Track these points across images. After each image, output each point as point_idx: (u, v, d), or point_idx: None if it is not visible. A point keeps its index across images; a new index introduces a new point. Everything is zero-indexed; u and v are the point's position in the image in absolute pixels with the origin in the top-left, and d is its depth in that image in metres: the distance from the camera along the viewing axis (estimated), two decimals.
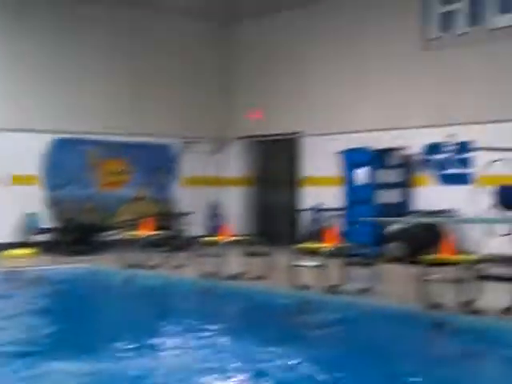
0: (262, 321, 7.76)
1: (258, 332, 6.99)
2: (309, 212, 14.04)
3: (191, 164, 15.27)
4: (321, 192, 13.84)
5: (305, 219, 14.16)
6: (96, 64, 14.38)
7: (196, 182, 15.30)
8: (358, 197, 12.60)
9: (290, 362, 5.82)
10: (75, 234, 13.30)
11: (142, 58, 14.86)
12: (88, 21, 14.26)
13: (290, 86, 14.72)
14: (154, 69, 14.96)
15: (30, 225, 13.38)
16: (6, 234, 13.16)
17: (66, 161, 13.93)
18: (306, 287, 8.74)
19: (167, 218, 14.50)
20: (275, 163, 15.44)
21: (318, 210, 13.87)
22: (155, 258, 11.09)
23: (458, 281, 7.28)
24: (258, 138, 15.56)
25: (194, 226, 14.41)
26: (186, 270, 10.51)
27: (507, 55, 11.44)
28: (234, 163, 15.83)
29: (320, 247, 9.10)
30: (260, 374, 5.55)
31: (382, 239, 11.97)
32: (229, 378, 5.52)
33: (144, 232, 11.15)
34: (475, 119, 11.77)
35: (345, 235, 12.40)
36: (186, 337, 6.84)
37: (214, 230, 14.60)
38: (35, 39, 13.80)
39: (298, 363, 5.80)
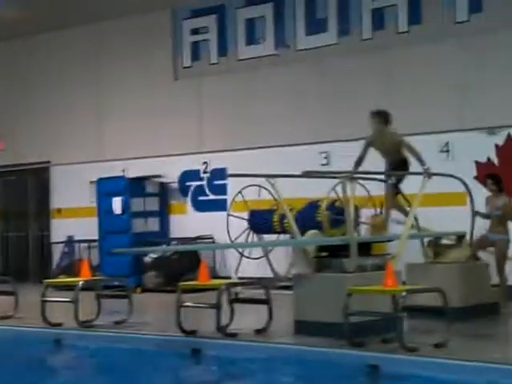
0: (6, 363, 7.21)
1: (4, 376, 6.50)
2: (61, 245, 13.51)
3: None
4: (73, 223, 13.42)
5: (57, 253, 13.59)
6: None
7: None
8: (113, 227, 12.36)
9: None
10: None
11: None
12: None
13: (35, 113, 14.17)
14: None
15: None
16: None
17: None
18: (57, 324, 8.35)
19: None
20: (21, 195, 14.71)
21: (71, 242, 13.41)
22: None
23: (213, 306, 7.39)
24: (3, 169, 14.71)
25: None
26: None
27: (255, 83, 12.06)
28: None
29: (72, 281, 8.81)
30: None
31: (139, 269, 11.88)
32: None
33: None
34: (228, 146, 12.21)
35: (100, 267, 12.17)
36: None
37: None
38: None
39: None
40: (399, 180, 8.81)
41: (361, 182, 8.87)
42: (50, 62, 14.06)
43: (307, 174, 8.86)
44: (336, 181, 9.21)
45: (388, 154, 8.89)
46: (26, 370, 6.86)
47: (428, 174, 8.06)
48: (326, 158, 11.19)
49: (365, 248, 7.55)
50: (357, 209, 9.59)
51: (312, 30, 11.52)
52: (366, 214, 10.06)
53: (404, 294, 6.43)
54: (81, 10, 13.04)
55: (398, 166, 8.75)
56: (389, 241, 8.68)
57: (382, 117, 8.86)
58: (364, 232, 10.08)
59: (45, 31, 13.83)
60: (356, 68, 11.09)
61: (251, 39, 12.11)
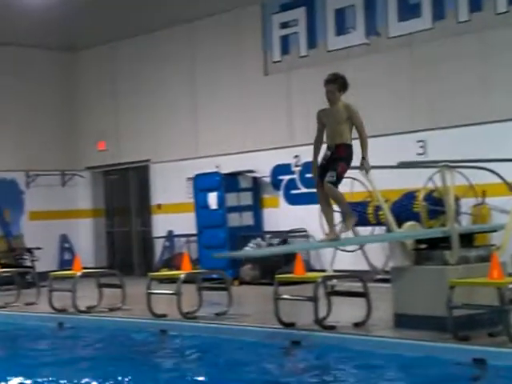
0: (119, 353, 7.52)
1: (116, 364, 6.78)
2: (162, 239, 13.88)
3: (38, 197, 14.75)
4: (173, 218, 13.73)
5: (158, 247, 13.96)
6: None
7: (44, 215, 14.77)
8: (209, 221, 12.57)
9: None
10: None
11: None
12: None
13: (135, 114, 14.56)
14: None
15: None
16: None
17: None
18: (162, 315, 8.61)
19: (15, 254, 13.95)
20: (124, 192, 15.24)
21: (171, 236, 13.74)
22: (4, 296, 10.73)
23: (310, 298, 7.40)
24: (107, 168, 15.29)
25: (44, 261, 13.87)
26: (38, 306, 10.12)
27: (345, 73, 11.70)
28: (83, 194, 15.44)
29: (174, 274, 9.08)
30: None
31: (236, 262, 12.03)
32: None
33: None
34: None
35: (199, 260, 12.40)
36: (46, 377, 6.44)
37: (65, 263, 14.16)
38: None
39: None
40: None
41: (461, 170, 8.63)
42: (148, 63, 14.39)
43: (403, 165, 8.71)
44: (433, 170, 9.04)
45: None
46: (140, 360, 7.10)
47: None
48: (422, 147, 10.94)
49: (467, 239, 7.35)
50: (457, 199, 9.34)
51: (405, 16, 11.27)
52: (468, 203, 9.80)
53: (511, 286, 6.23)
54: (174, 11, 13.32)
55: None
56: (493, 231, 8.38)
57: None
58: (465, 223, 9.82)
59: (142, 33, 14.19)
60: (452, 53, 10.75)
61: (341, 29, 11.99)
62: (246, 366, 6.65)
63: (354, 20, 11.84)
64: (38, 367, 6.94)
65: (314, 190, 11.99)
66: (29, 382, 6.26)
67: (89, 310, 9.42)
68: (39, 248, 13.98)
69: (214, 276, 9.90)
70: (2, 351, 8.25)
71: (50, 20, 13.47)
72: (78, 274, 9.64)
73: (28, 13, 12.97)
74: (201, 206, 12.73)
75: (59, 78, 15.27)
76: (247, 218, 12.80)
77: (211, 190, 12.61)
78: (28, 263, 13.81)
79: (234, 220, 12.61)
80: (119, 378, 6.28)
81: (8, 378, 6.29)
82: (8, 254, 13.93)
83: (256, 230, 12.67)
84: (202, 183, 12.77)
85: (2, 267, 11.30)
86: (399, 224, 8.79)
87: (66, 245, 15.07)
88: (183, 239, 13.51)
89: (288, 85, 12.64)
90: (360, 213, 10.96)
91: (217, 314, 8.51)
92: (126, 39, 14.50)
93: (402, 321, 7.19)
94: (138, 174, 14.88)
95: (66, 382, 6.23)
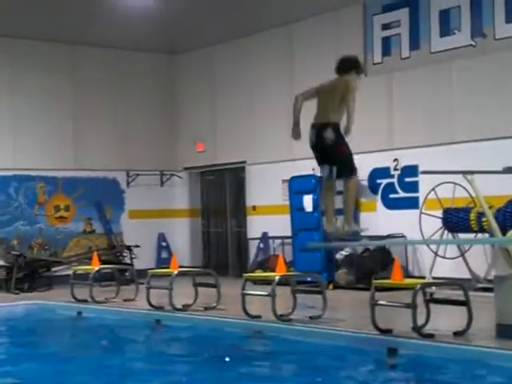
0: (214, 352, 7.57)
1: (212, 364, 6.83)
2: (256, 241, 13.94)
3: (138, 196, 15.14)
4: (267, 220, 13.77)
5: (253, 248, 14.04)
6: (37, 98, 14.20)
7: (143, 214, 15.14)
8: (304, 224, 12.48)
9: None
10: (24, 271, 12.96)
11: (84, 93, 14.71)
12: (24, 57, 14.09)
13: (232, 116, 14.70)
14: (97, 103, 14.82)
15: None
16: None
17: (11, 197, 13.92)
18: (256, 316, 8.63)
19: (115, 251, 14.35)
20: (220, 193, 15.43)
21: (266, 238, 13.77)
22: (105, 292, 11.02)
23: (408, 305, 7.22)
24: (204, 169, 15.52)
25: (142, 259, 14.21)
26: (136, 303, 10.36)
27: (449, 76, 11.62)
28: (181, 194, 15.72)
29: (269, 276, 9.08)
30: None
31: (330, 266, 11.91)
32: None
33: (93, 266, 11.06)
34: (419, 142, 11.87)
35: (293, 263, 12.36)
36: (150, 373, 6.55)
37: (162, 261, 14.46)
38: None
39: None
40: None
41: None
42: (246, 65, 14.51)
43: (508, 170, 8.40)
44: None
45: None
46: (234, 360, 7.13)
47: None
48: None
49: None
50: None
51: None
52: None
53: None
54: (273, 13, 13.36)
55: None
56: None
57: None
58: None
59: (240, 36, 14.32)
60: None
61: (445, 30, 11.67)
62: (341, 371, 6.56)
63: (459, 21, 11.50)
64: (134, 362, 7.09)
65: (414, 195, 11.95)
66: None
67: (185, 308, 9.55)
68: (138, 246, 14.36)
69: (309, 279, 9.83)
70: (102, 343, 8.48)
71: (152, 23, 13.80)
72: (175, 272, 9.78)
73: (130, 16, 13.34)
74: (296, 209, 12.66)
75: (160, 80, 15.62)
76: (343, 222, 12.62)
77: (307, 193, 12.51)
78: (127, 260, 14.18)
79: None
80: (211, 378, 6.31)
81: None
82: (109, 251, 14.36)
83: (351, 233, 12.45)
84: (298, 185, 12.71)
85: (103, 264, 11.67)
86: (503, 232, 8.46)
87: (163, 243, 15.36)
88: (278, 241, 13.52)
89: (388, 87, 12.42)
90: (462, 219, 10.65)
91: (311, 318, 8.45)
92: (225, 42, 14.69)
93: (505, 331, 6.92)
94: (234, 176, 15.04)
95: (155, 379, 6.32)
